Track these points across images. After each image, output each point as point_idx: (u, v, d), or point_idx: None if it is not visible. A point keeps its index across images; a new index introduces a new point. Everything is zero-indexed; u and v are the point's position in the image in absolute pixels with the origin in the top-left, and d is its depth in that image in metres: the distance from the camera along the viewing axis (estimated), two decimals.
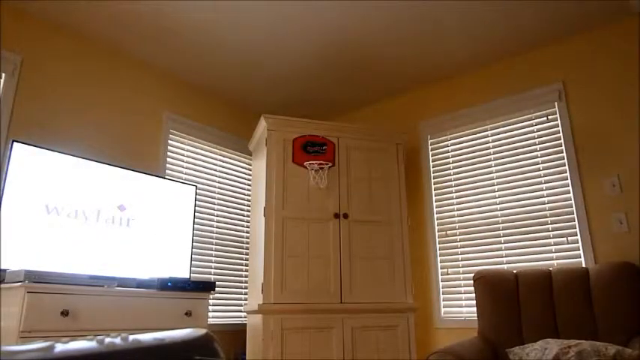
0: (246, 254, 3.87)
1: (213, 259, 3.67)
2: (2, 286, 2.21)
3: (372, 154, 3.21)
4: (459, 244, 3.45)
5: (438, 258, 3.52)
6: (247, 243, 3.89)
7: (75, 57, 3.11)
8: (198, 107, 3.85)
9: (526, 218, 3.17)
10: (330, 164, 3.06)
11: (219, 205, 3.83)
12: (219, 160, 3.95)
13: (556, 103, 3.19)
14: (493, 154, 3.42)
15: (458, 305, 3.36)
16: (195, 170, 3.73)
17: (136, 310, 2.45)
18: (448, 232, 3.53)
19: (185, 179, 3.56)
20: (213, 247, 3.70)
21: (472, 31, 3.14)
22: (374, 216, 3.09)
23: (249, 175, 4.05)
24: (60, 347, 0.50)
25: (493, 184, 3.37)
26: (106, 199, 2.78)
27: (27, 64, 2.84)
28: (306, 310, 2.75)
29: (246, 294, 3.73)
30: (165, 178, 3.27)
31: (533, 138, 3.26)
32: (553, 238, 3.05)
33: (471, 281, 2.96)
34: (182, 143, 3.69)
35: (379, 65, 3.57)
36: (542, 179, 3.16)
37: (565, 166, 3.07)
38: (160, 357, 0.60)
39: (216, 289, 3.12)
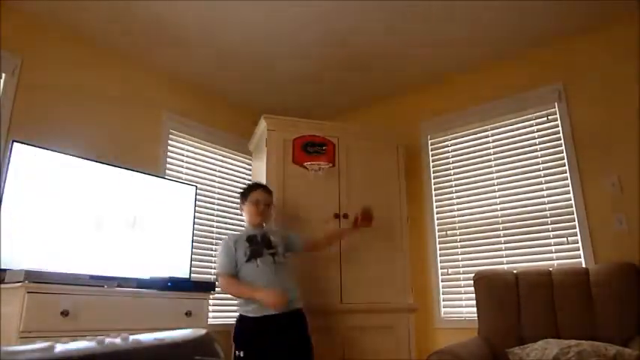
0: None
1: (213, 259, 3.67)
2: (2, 286, 2.21)
3: (372, 154, 3.21)
4: (459, 244, 3.45)
5: (438, 258, 3.52)
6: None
7: (75, 57, 3.11)
8: (198, 107, 3.85)
9: (526, 218, 3.17)
10: (330, 164, 3.06)
11: (219, 205, 3.83)
12: (219, 160, 3.95)
13: (556, 103, 3.19)
14: (493, 154, 3.42)
15: (458, 305, 3.36)
16: (195, 170, 3.73)
17: (136, 310, 2.44)
18: (448, 232, 3.53)
19: (185, 179, 3.56)
20: (213, 247, 3.70)
21: (472, 32, 3.14)
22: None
23: (249, 175, 4.05)
24: (60, 347, 0.50)
25: (493, 184, 3.37)
26: (105, 200, 2.78)
27: (27, 64, 2.83)
28: (306, 310, 2.75)
29: None
30: (165, 179, 3.27)
31: (534, 138, 3.26)
32: (553, 238, 3.05)
33: (471, 281, 2.96)
34: (182, 143, 3.69)
35: (379, 65, 3.57)
36: (543, 179, 3.16)
37: (565, 166, 3.07)
38: (160, 357, 0.60)
39: (217, 289, 3.11)
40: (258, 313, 2.30)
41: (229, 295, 3.70)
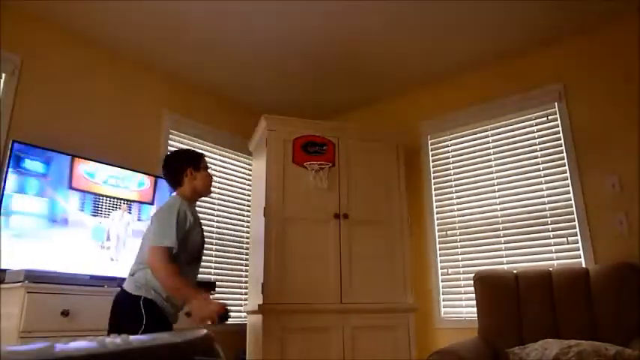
0: (246, 254, 3.87)
1: (213, 258, 3.67)
2: (2, 286, 2.21)
3: (372, 154, 3.21)
4: (459, 244, 3.45)
5: (438, 258, 3.52)
6: (247, 243, 3.88)
7: (75, 57, 3.11)
8: (198, 107, 3.85)
9: (526, 218, 3.17)
10: (331, 164, 3.06)
11: (219, 205, 3.83)
12: (219, 160, 3.95)
13: (556, 103, 3.19)
14: (493, 154, 3.42)
15: (458, 305, 3.36)
16: None
17: None
18: (448, 232, 3.53)
19: None
20: (214, 246, 3.70)
21: (472, 31, 3.14)
22: (374, 216, 3.08)
23: (249, 175, 4.05)
24: (60, 347, 0.50)
25: (493, 184, 3.37)
26: (107, 200, 2.78)
27: (27, 64, 2.83)
28: (306, 310, 2.75)
29: (246, 294, 3.73)
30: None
31: (534, 138, 3.26)
32: (553, 238, 3.05)
33: (471, 281, 2.96)
34: (182, 143, 3.69)
35: (379, 65, 3.56)
36: (543, 179, 3.16)
37: (565, 166, 3.07)
38: (160, 357, 0.60)
39: (216, 289, 3.11)
40: (170, 316, 1.95)
41: (230, 295, 3.70)
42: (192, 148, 2.36)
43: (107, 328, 1.89)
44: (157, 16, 2.94)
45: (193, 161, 2.15)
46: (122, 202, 2.89)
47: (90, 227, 2.71)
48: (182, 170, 2.11)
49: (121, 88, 3.34)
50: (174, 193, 2.12)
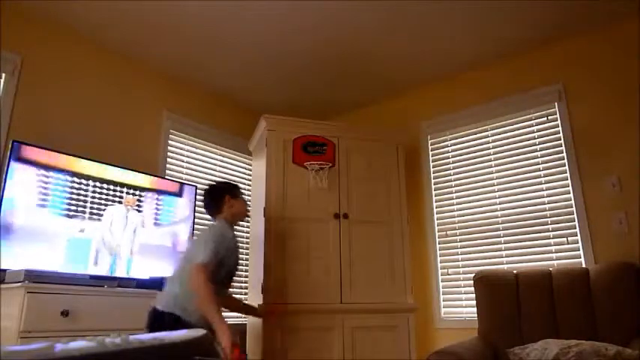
0: (246, 254, 3.87)
1: None
2: (2, 286, 2.21)
3: (372, 154, 3.21)
4: (459, 244, 3.45)
5: (438, 258, 3.52)
6: (247, 243, 3.88)
7: (75, 57, 3.11)
8: (198, 107, 3.85)
9: (526, 218, 3.17)
10: (331, 164, 3.06)
11: None
12: (219, 160, 3.95)
13: (556, 103, 3.19)
14: (493, 154, 3.42)
15: (458, 305, 3.36)
16: (195, 170, 3.73)
17: (136, 310, 2.44)
18: (448, 232, 3.53)
19: (185, 179, 3.56)
20: None
21: (472, 31, 3.14)
22: (374, 216, 3.08)
23: (249, 175, 4.05)
24: (60, 347, 0.50)
25: (493, 184, 3.37)
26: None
27: (27, 64, 2.83)
28: (306, 310, 2.75)
29: (246, 294, 3.73)
30: (165, 179, 3.27)
31: (534, 138, 3.26)
32: (553, 238, 3.05)
33: (471, 281, 2.96)
34: (182, 143, 3.69)
35: (379, 65, 3.56)
36: (542, 179, 3.16)
37: (565, 166, 3.07)
38: (159, 357, 0.60)
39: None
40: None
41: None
42: (229, 181, 2.66)
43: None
44: (158, 16, 2.94)
45: (232, 190, 2.41)
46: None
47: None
48: (222, 198, 2.34)
49: (122, 88, 3.34)
50: (215, 221, 2.29)
